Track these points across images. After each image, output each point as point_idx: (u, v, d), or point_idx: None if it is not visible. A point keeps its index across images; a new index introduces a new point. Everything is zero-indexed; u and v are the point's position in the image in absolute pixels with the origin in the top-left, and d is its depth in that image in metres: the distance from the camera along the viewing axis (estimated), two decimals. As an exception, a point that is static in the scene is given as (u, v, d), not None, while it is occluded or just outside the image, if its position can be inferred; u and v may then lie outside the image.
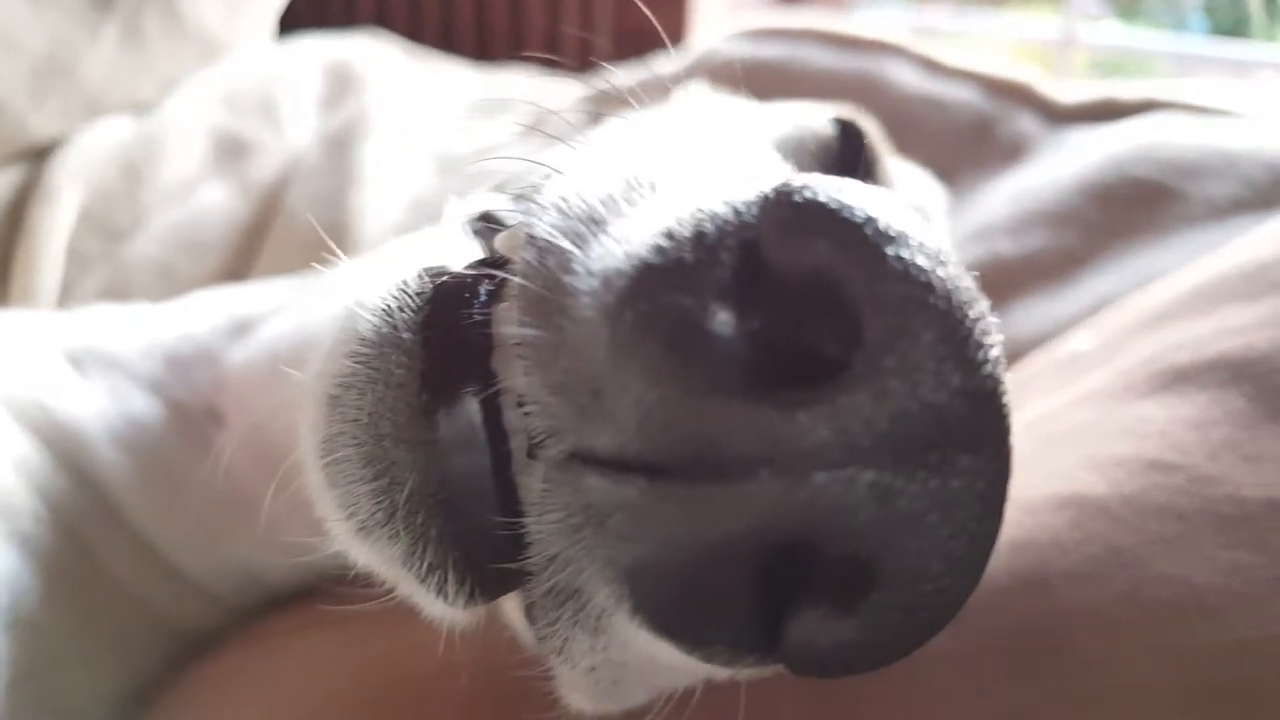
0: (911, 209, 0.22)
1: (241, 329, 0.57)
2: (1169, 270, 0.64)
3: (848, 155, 0.43)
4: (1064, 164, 0.75)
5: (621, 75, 0.98)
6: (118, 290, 0.80)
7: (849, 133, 0.43)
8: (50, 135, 0.83)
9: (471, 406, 0.26)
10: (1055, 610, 0.33)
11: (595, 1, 2.34)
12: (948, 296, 0.21)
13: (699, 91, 0.64)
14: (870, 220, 0.21)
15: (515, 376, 0.26)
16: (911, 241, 0.21)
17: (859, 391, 0.21)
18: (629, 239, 0.23)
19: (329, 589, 0.52)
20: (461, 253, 0.31)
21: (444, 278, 0.28)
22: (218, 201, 0.86)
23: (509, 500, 0.26)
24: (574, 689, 0.28)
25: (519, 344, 0.25)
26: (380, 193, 0.84)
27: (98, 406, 0.55)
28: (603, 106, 0.93)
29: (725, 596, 0.23)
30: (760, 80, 0.87)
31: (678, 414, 0.22)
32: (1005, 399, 0.22)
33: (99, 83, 0.84)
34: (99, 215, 0.82)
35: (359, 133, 0.89)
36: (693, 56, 0.94)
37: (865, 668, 0.24)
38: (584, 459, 0.23)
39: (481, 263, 0.29)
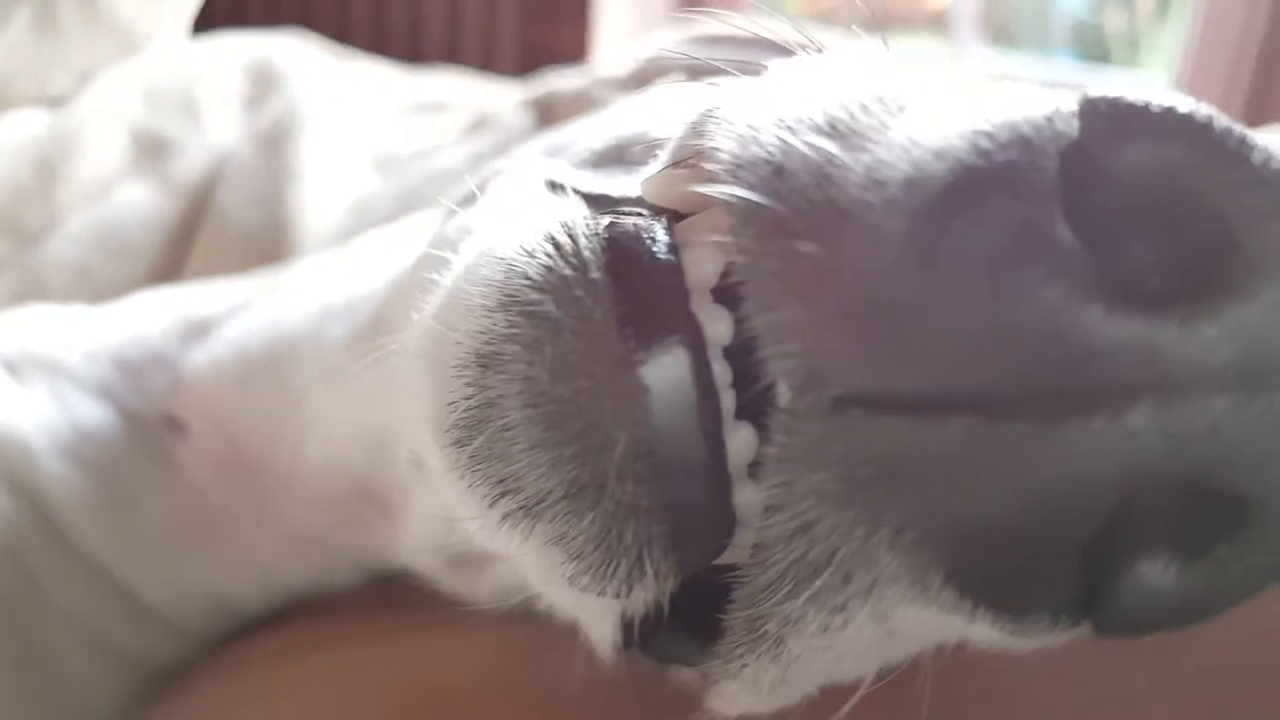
0: None
1: (198, 330, 0.53)
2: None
3: None
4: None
5: (565, 79, 0.96)
6: (31, 296, 0.73)
7: None
8: (-47, 127, 0.76)
9: (676, 358, 0.22)
10: None
11: (498, 15, 2.31)
12: None
13: (680, 87, 0.62)
14: (1217, 124, 0.19)
15: (715, 323, 0.23)
16: (1259, 145, 0.20)
17: (1255, 303, 0.19)
18: (918, 144, 0.20)
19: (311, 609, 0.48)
20: (565, 210, 0.28)
21: (611, 220, 0.25)
22: (140, 201, 0.81)
23: (719, 467, 0.23)
24: (753, 684, 0.24)
25: (754, 277, 0.21)
26: (320, 191, 0.80)
27: (41, 415, 0.49)
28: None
29: (1057, 555, 0.20)
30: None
31: (1030, 337, 0.19)
32: None
33: (8, 72, 0.78)
34: (10, 215, 0.75)
35: (293, 130, 0.85)
36: (639, 61, 0.92)
37: (1207, 617, 0.22)
38: (867, 403, 0.20)
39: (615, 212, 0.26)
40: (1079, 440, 0.19)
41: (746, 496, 0.23)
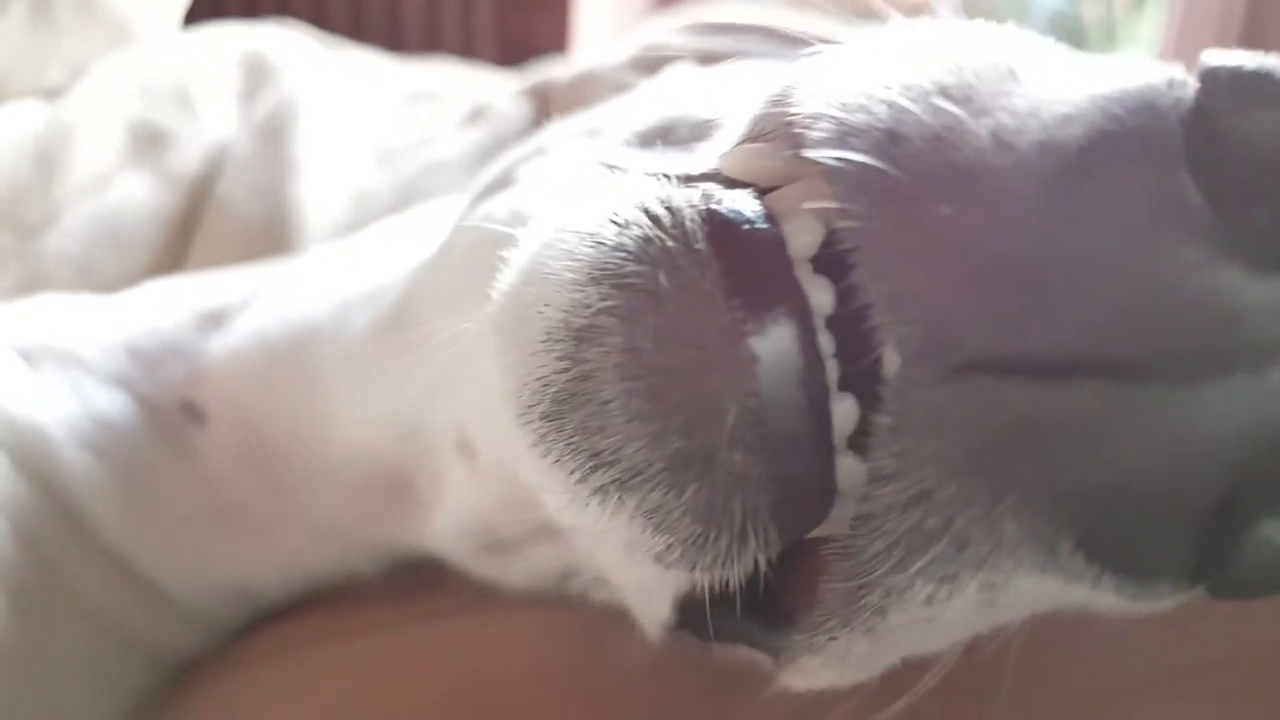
0: None
1: (213, 320, 0.53)
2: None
3: None
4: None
5: (558, 70, 0.96)
6: (33, 290, 0.73)
7: None
8: (-49, 120, 0.75)
9: (783, 327, 0.22)
10: None
11: (475, 9, 2.29)
12: None
13: (689, 70, 0.62)
14: None
15: (819, 293, 0.23)
16: None
17: None
18: (1044, 110, 0.20)
19: (339, 598, 0.48)
20: (649, 184, 0.27)
21: (702, 190, 0.24)
22: (139, 194, 0.80)
23: (824, 438, 0.23)
24: (839, 658, 0.24)
25: (869, 243, 0.21)
26: (321, 183, 0.80)
27: (59, 406, 0.49)
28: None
29: (1185, 517, 0.20)
30: (710, 73, 0.86)
31: (1168, 299, 0.19)
32: None
33: (4, 65, 0.77)
34: (9, 208, 0.75)
35: (290, 121, 0.84)
36: (634, 49, 0.93)
37: None
38: (994, 368, 0.20)
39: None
40: (1217, 399, 0.19)
41: (846, 468, 0.23)
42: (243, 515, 0.49)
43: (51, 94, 0.82)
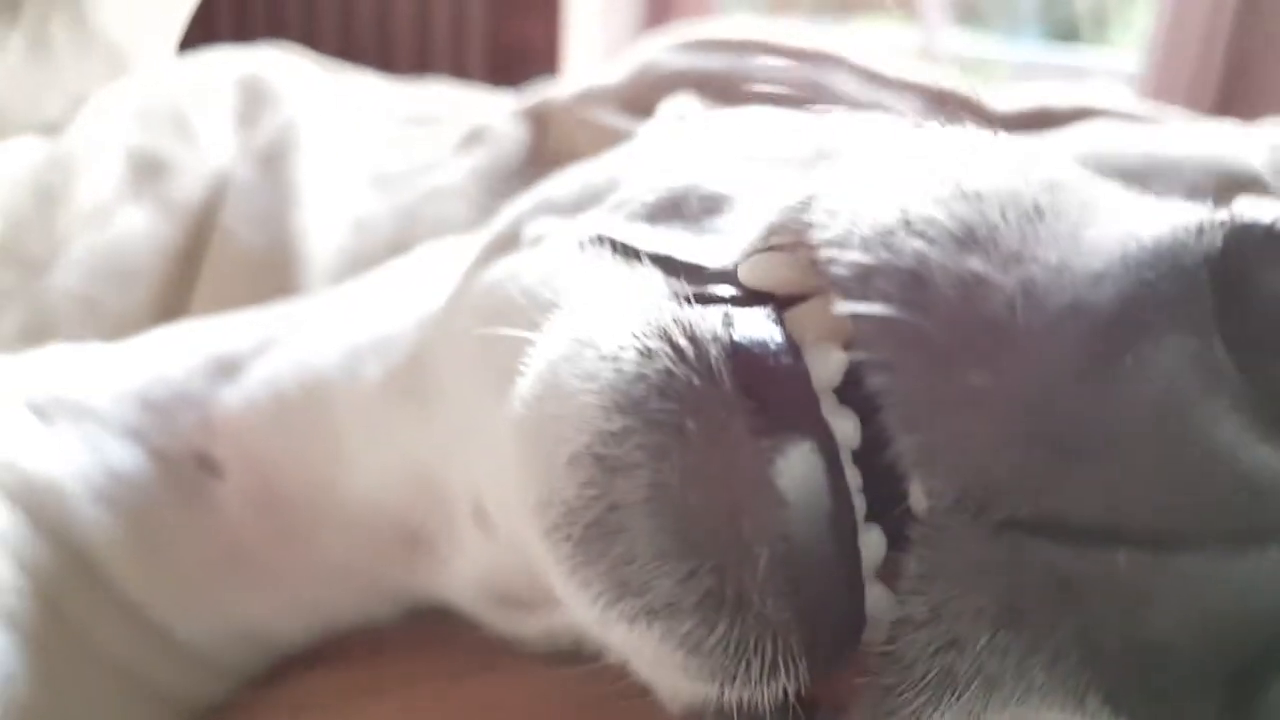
0: None
1: (225, 369, 0.53)
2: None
3: None
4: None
5: (556, 88, 0.96)
6: (39, 328, 0.73)
7: None
8: (-47, 159, 0.76)
9: (811, 466, 0.22)
10: None
11: (466, 14, 2.29)
12: None
13: (687, 103, 0.62)
14: None
15: (844, 426, 0.23)
16: None
17: None
18: (1073, 266, 0.20)
19: (359, 648, 0.49)
20: (636, 284, 0.28)
21: (725, 316, 0.24)
22: (140, 226, 0.80)
23: (854, 574, 0.23)
24: None
25: (898, 395, 0.21)
26: (323, 211, 0.80)
27: (73, 460, 0.49)
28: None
29: (1212, 677, 0.21)
30: (707, 91, 0.86)
31: (1203, 475, 0.19)
32: None
33: (4, 100, 0.77)
34: (13, 245, 0.75)
35: (290, 148, 0.84)
36: (630, 68, 0.93)
37: None
38: (1030, 528, 0.21)
39: (703, 296, 0.26)
40: (1248, 573, 0.20)
41: (875, 596, 0.24)
42: (259, 564, 0.50)
43: (51, 127, 0.82)
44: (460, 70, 2.26)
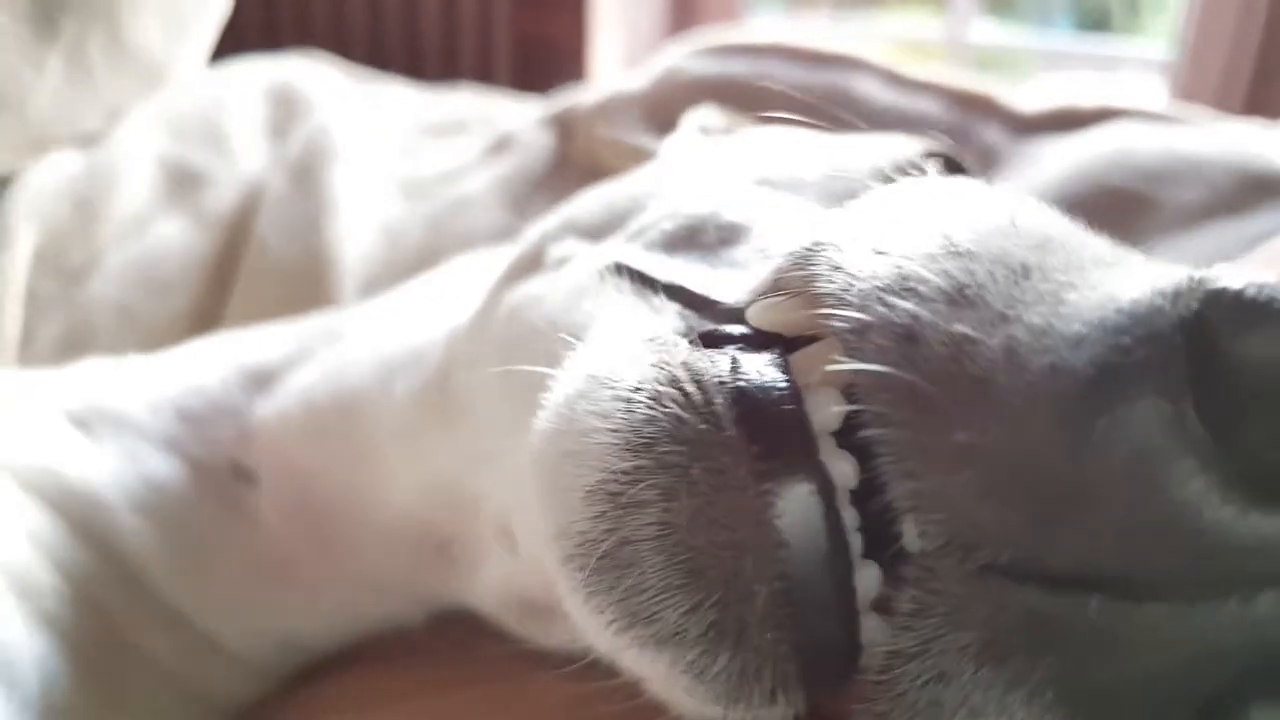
0: None
1: (259, 380, 0.55)
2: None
3: None
4: (1036, 177, 0.77)
5: (582, 95, 0.97)
6: (78, 336, 0.75)
7: (953, 168, 0.43)
8: (-4, 174, 0.78)
9: (809, 508, 0.24)
10: None
11: (493, 12, 2.31)
12: None
13: (709, 115, 0.63)
14: None
15: (842, 469, 0.24)
16: None
17: None
18: (1056, 332, 0.22)
19: (392, 653, 0.50)
20: (650, 320, 0.29)
21: (732, 361, 0.26)
22: (175, 236, 0.82)
23: (849, 609, 0.25)
24: None
25: (892, 445, 0.23)
26: (354, 220, 0.82)
27: (112, 470, 0.51)
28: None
29: (1178, 712, 0.22)
30: (729, 97, 0.87)
31: (1168, 528, 0.21)
32: None
33: (46, 116, 0.79)
34: (53, 255, 0.77)
35: (323, 157, 0.86)
36: (654, 74, 0.94)
37: None
38: (1011, 574, 0.22)
39: (714, 335, 0.27)
40: (1210, 622, 0.21)
41: (871, 627, 0.25)
42: (293, 571, 0.51)
43: (89, 140, 0.84)
44: (486, 67, 2.29)
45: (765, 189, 0.37)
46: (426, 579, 0.48)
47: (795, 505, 0.24)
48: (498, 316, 0.40)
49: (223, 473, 0.52)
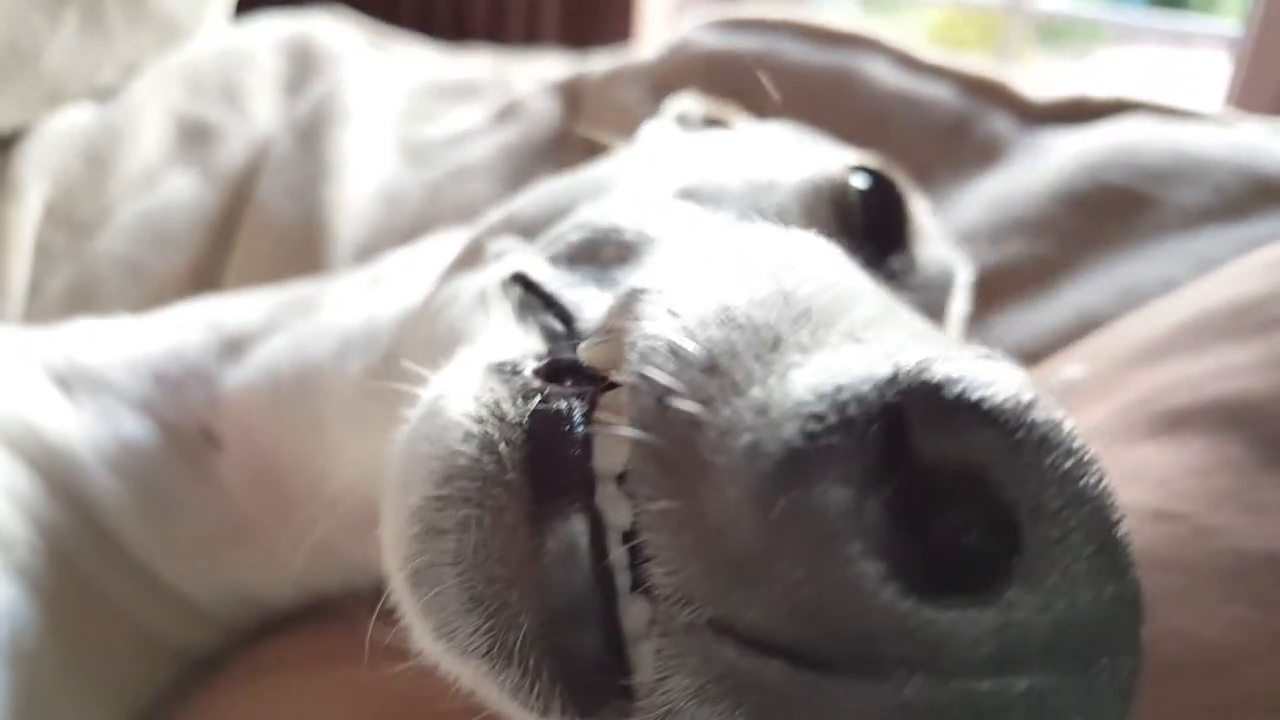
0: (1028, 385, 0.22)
1: (232, 349, 0.57)
2: (1146, 281, 0.66)
3: (878, 208, 0.43)
4: (1039, 169, 0.76)
5: (598, 62, 0.97)
6: (86, 289, 0.78)
7: (882, 185, 0.43)
8: (11, 126, 0.80)
9: (578, 546, 0.26)
10: None
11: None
12: (1102, 505, 0.22)
13: (689, 102, 0.63)
14: (1023, 422, 0.22)
15: (617, 509, 0.26)
16: (1063, 443, 0.22)
17: (1022, 605, 0.21)
18: (769, 411, 0.23)
19: (341, 614, 0.52)
20: (515, 342, 0.31)
21: (537, 401, 0.28)
22: (184, 192, 0.84)
23: (614, 637, 0.26)
24: None
25: (639, 500, 0.25)
26: (353, 185, 0.83)
27: (88, 428, 0.54)
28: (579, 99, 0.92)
29: None
30: (736, 73, 0.87)
31: (834, 608, 0.22)
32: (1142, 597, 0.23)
33: (60, 70, 0.81)
34: (64, 208, 0.80)
35: (330, 120, 0.87)
36: (666, 46, 0.93)
37: None
38: (719, 628, 0.24)
39: (555, 365, 0.29)
40: (866, 698, 0.22)
41: (642, 653, 0.26)
42: (252, 533, 0.53)
43: (104, 94, 0.86)
44: (533, 23, 2.29)
45: (684, 201, 0.38)
46: (371, 549, 0.50)
47: (563, 543, 0.26)
48: (428, 310, 0.42)
49: (192, 436, 0.55)
